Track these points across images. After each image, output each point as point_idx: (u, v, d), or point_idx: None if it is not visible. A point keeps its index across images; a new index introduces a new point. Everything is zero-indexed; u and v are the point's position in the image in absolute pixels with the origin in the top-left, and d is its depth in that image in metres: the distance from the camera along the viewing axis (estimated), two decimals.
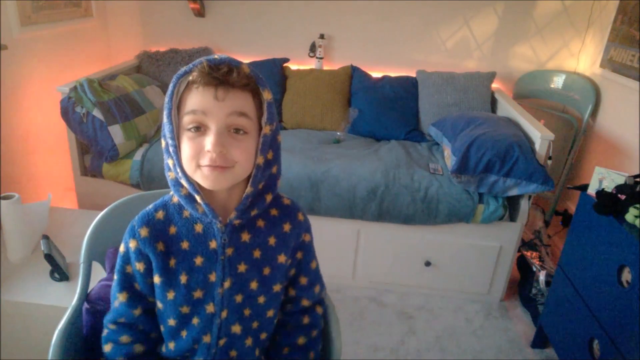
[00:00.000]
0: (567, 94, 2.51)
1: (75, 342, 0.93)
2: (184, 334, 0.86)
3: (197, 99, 0.73)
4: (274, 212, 0.87)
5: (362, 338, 1.90)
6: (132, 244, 0.82)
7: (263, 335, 0.91)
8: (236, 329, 0.86)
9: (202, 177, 0.75)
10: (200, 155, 0.74)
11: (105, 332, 0.88)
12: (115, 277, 0.86)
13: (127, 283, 0.85)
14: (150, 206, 0.86)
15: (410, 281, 2.16)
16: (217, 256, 0.82)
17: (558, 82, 2.55)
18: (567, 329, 1.65)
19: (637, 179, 1.48)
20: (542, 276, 2.02)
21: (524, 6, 2.56)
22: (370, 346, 1.86)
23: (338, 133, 2.48)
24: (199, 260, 0.82)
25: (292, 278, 0.93)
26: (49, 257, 1.49)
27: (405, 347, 1.87)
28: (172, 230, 0.83)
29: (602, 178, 1.55)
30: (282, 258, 0.87)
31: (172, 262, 0.82)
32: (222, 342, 0.86)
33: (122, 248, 0.85)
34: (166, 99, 0.75)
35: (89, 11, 2.64)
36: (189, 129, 0.74)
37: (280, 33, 2.77)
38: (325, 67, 2.76)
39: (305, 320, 0.96)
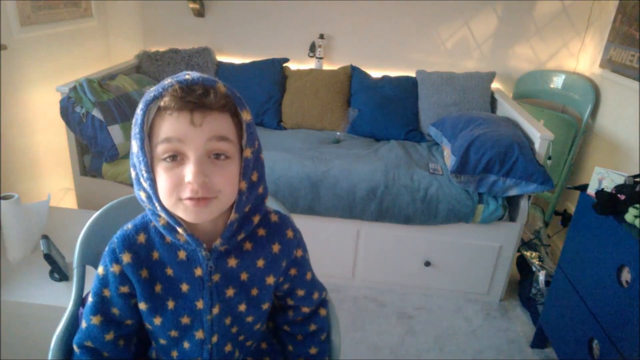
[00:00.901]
0: (566, 94, 2.51)
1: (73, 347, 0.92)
2: (174, 354, 0.84)
3: (171, 126, 0.66)
4: (261, 232, 0.82)
5: (362, 338, 1.90)
6: (115, 269, 0.77)
7: (248, 343, 0.90)
8: (228, 348, 0.85)
9: (184, 211, 0.69)
10: (180, 188, 0.67)
11: (73, 354, 0.84)
12: (91, 299, 0.81)
13: (102, 307, 0.80)
14: (130, 226, 0.79)
15: (410, 281, 2.16)
16: (204, 283, 0.78)
17: (558, 82, 2.55)
18: (567, 329, 1.65)
19: (637, 179, 1.48)
20: (541, 276, 2.02)
21: (523, 6, 2.56)
22: (370, 346, 1.86)
23: (338, 133, 2.48)
24: (184, 287, 0.78)
25: (288, 290, 0.90)
26: (48, 257, 1.49)
27: (405, 347, 1.87)
28: (155, 255, 0.78)
29: (602, 178, 1.55)
30: (270, 279, 0.84)
31: (158, 287, 0.78)
32: None
33: (100, 270, 0.80)
34: (136, 129, 0.67)
35: (88, 11, 2.64)
36: (164, 159, 0.67)
37: (280, 33, 2.77)
38: (325, 67, 2.76)
39: (312, 327, 0.95)
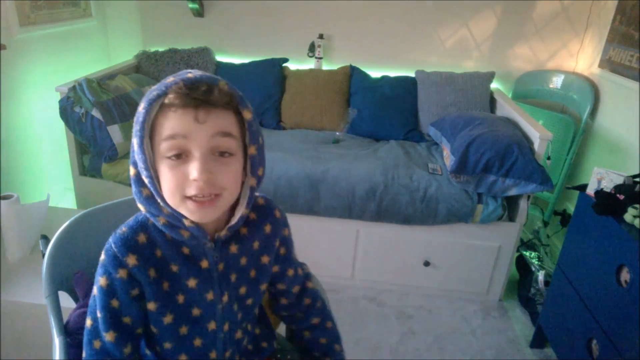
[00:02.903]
0: (566, 94, 2.51)
1: None
2: (182, 358, 0.82)
3: (175, 123, 0.66)
4: (252, 215, 0.85)
5: (361, 338, 1.90)
6: (122, 274, 0.74)
7: (249, 327, 0.92)
8: (238, 335, 0.86)
9: (189, 212, 0.70)
10: (184, 185, 0.68)
11: None
12: (100, 314, 0.76)
13: (114, 319, 0.76)
14: (124, 229, 0.76)
15: (409, 281, 2.16)
16: (211, 274, 0.79)
17: (557, 82, 2.56)
18: (566, 328, 1.65)
19: (636, 179, 1.48)
20: (540, 276, 2.02)
21: (522, 6, 2.56)
22: (369, 346, 1.86)
23: (337, 133, 2.48)
24: (192, 283, 0.78)
25: (279, 273, 0.93)
26: None
27: (404, 347, 1.87)
28: (159, 253, 0.76)
29: (601, 178, 1.55)
30: (265, 259, 0.86)
31: (166, 285, 0.77)
32: (227, 353, 0.85)
33: (102, 282, 0.75)
34: (137, 126, 0.68)
35: (87, 11, 2.64)
36: (169, 157, 0.68)
37: (279, 33, 2.77)
38: (324, 67, 2.76)
39: (307, 301, 0.98)
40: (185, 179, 0.68)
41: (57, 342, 0.89)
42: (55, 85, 2.13)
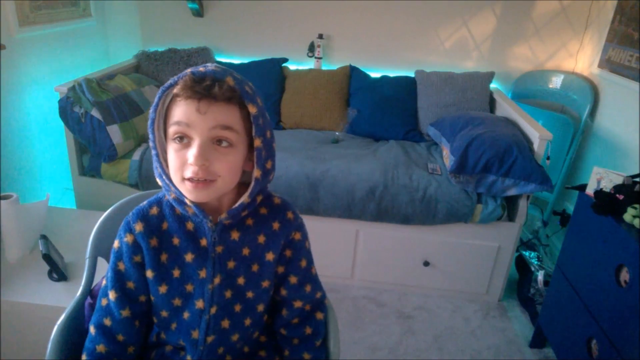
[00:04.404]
0: (565, 94, 2.51)
1: (75, 337, 0.92)
2: (173, 326, 0.87)
3: (181, 111, 0.74)
4: (263, 210, 0.88)
5: (361, 338, 1.90)
6: (128, 238, 0.84)
7: (255, 334, 0.92)
8: (225, 324, 0.87)
9: (185, 191, 0.77)
10: (184, 168, 0.75)
11: (87, 336, 0.88)
12: (109, 274, 0.86)
13: (118, 282, 0.85)
14: (145, 202, 0.87)
15: (409, 281, 2.16)
16: (208, 254, 0.84)
17: (556, 82, 2.56)
18: (566, 328, 1.66)
19: (635, 179, 1.49)
20: (540, 276, 2.02)
21: (522, 6, 2.57)
22: (368, 346, 1.86)
23: (337, 133, 2.48)
24: (189, 257, 0.84)
25: (281, 276, 0.92)
26: (47, 257, 1.49)
27: (403, 347, 1.87)
28: (165, 225, 0.85)
29: (601, 178, 1.55)
30: (270, 256, 0.88)
31: (164, 257, 0.84)
32: (210, 339, 0.86)
33: (116, 244, 0.86)
34: (150, 109, 0.77)
35: (87, 11, 2.64)
36: (174, 140, 0.76)
37: (279, 33, 2.77)
38: (324, 67, 2.76)
39: (308, 330, 0.96)
40: (185, 162, 0.75)
41: (76, 298, 0.98)
42: (55, 85, 2.12)
